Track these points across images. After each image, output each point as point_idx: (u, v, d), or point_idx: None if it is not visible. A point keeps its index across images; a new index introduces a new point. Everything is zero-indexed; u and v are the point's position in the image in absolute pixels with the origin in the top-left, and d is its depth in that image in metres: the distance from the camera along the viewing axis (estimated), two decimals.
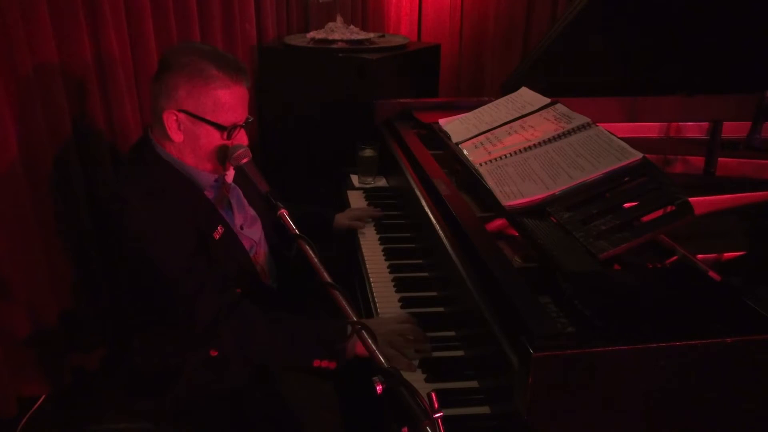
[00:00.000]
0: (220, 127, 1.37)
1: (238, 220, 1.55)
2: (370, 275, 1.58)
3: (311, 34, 2.79)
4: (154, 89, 1.38)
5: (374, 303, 1.47)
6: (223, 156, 1.41)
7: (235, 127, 1.39)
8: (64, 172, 1.85)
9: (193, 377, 1.40)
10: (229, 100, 1.36)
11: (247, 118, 1.43)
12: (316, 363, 1.34)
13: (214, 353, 1.37)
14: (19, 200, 1.73)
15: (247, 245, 1.54)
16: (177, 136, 1.37)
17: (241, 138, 1.42)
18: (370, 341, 0.96)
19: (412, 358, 1.26)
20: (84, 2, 1.85)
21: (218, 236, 1.43)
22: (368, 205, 2.01)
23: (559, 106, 1.61)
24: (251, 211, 1.63)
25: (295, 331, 1.38)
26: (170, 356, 1.43)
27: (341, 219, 1.86)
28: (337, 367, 1.34)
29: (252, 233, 1.59)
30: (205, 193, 1.45)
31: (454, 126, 1.80)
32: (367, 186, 2.15)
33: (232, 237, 1.49)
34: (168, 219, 1.35)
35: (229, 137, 1.39)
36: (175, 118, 1.35)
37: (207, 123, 1.36)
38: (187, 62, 1.34)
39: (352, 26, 2.88)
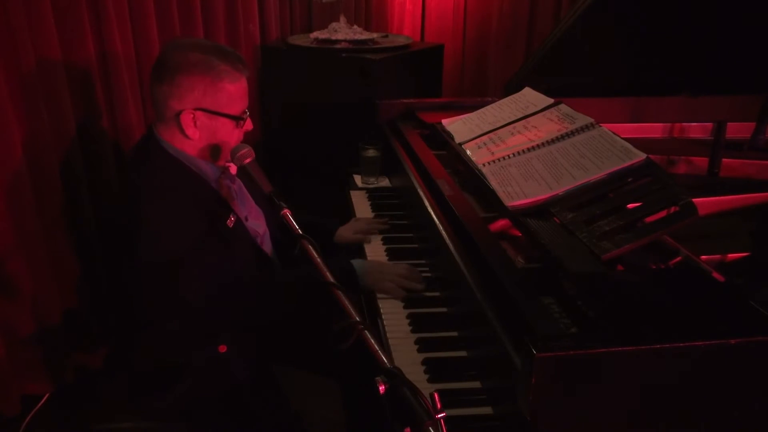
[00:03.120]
0: (235, 118, 1.43)
1: (242, 213, 1.57)
2: None
3: (314, 34, 2.79)
4: (163, 91, 1.38)
5: (377, 302, 1.46)
6: (216, 153, 1.45)
7: (245, 113, 1.45)
8: (68, 170, 1.86)
9: (198, 375, 1.40)
10: (238, 91, 1.42)
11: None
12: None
13: (222, 349, 1.37)
14: (24, 198, 1.74)
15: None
16: (194, 133, 1.40)
17: (247, 124, 1.48)
18: (373, 341, 0.96)
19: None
20: (88, 1, 1.85)
21: (231, 224, 1.46)
22: (371, 205, 2.01)
23: (563, 107, 1.60)
24: (254, 205, 1.64)
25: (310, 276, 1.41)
26: (174, 355, 1.43)
27: (344, 232, 1.79)
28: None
29: (257, 226, 1.61)
30: (212, 185, 1.47)
31: (457, 126, 1.80)
32: (370, 186, 2.15)
33: (242, 226, 1.51)
34: (183, 211, 1.37)
35: (242, 125, 1.45)
36: (192, 116, 1.38)
37: (224, 116, 1.41)
38: (194, 61, 1.36)
39: (355, 26, 2.88)
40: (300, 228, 1.23)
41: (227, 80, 1.38)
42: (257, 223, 1.62)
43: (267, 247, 1.63)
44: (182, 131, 1.39)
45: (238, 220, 1.49)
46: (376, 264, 1.52)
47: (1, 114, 1.64)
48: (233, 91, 1.40)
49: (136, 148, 1.53)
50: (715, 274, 1.08)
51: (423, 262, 1.61)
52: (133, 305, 1.50)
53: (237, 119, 1.43)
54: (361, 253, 1.71)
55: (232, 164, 1.51)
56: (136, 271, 1.39)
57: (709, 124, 2.02)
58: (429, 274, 1.55)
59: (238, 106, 1.43)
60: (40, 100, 1.74)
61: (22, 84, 1.70)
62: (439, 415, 0.81)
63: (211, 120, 1.40)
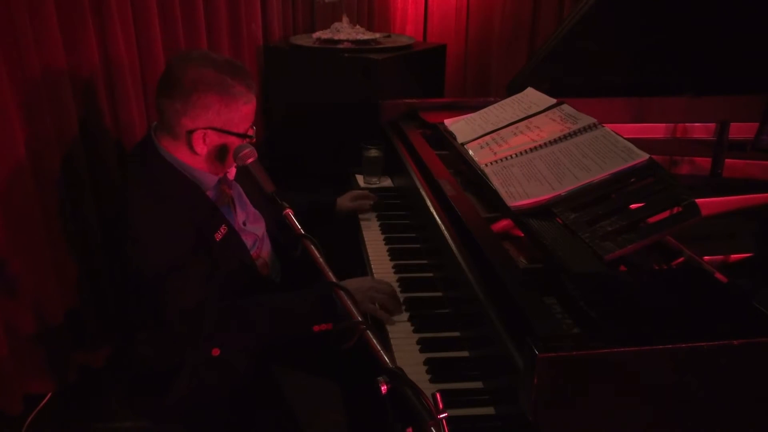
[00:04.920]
0: (244, 137, 1.44)
1: (241, 217, 1.57)
2: (374, 275, 1.57)
3: (317, 34, 2.79)
4: (175, 108, 1.37)
5: None
6: (222, 157, 1.45)
7: (251, 129, 1.46)
8: (71, 173, 1.86)
9: (194, 376, 1.40)
10: (250, 111, 1.44)
11: None
12: (316, 328, 1.38)
13: (215, 352, 1.37)
14: (27, 200, 1.74)
15: (250, 241, 1.56)
16: (202, 150, 1.41)
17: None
18: (375, 341, 0.96)
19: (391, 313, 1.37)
20: (91, 4, 1.86)
21: (220, 237, 1.45)
22: (373, 204, 2.01)
23: (565, 107, 1.60)
24: (253, 209, 1.64)
25: (285, 307, 1.43)
26: (174, 355, 1.43)
27: (343, 202, 1.91)
28: (334, 328, 1.37)
29: (255, 229, 1.61)
30: (207, 193, 1.47)
31: (460, 126, 1.80)
32: (373, 186, 2.15)
33: (235, 236, 1.50)
34: (170, 222, 1.37)
35: (248, 141, 1.46)
36: (202, 135, 1.39)
37: (235, 135, 1.42)
38: (210, 80, 1.36)
39: (357, 26, 2.88)
40: (302, 206, 1.23)
41: (242, 101, 1.40)
42: (256, 227, 1.62)
43: (265, 249, 1.63)
44: (191, 148, 1.41)
45: (230, 231, 1.48)
46: (354, 283, 1.42)
47: (5, 117, 1.65)
48: (246, 112, 1.42)
49: (134, 150, 1.53)
50: (718, 275, 1.08)
51: (425, 262, 1.61)
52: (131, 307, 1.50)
53: (245, 137, 1.45)
54: (362, 253, 1.72)
55: (231, 169, 1.52)
56: (126, 277, 1.41)
57: (712, 125, 2.01)
58: (431, 274, 1.55)
59: (247, 124, 1.45)
60: (43, 103, 1.74)
61: (25, 88, 1.70)
62: (442, 416, 0.81)
63: (220, 138, 1.42)
